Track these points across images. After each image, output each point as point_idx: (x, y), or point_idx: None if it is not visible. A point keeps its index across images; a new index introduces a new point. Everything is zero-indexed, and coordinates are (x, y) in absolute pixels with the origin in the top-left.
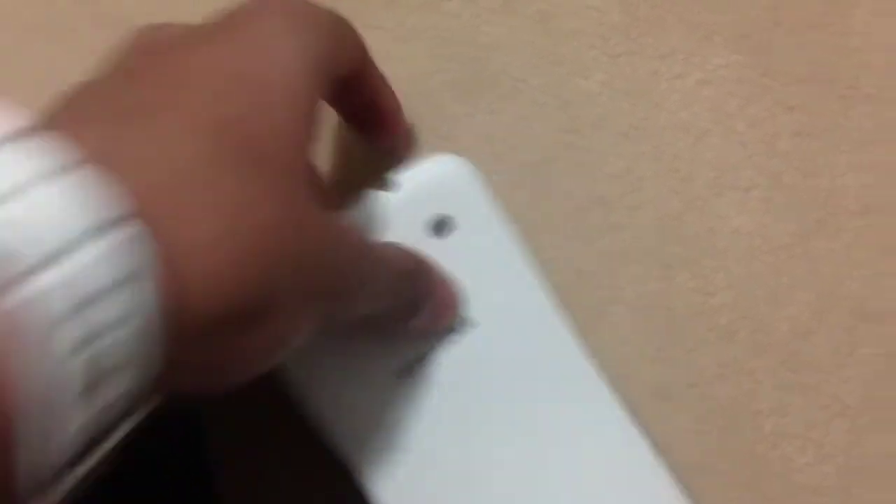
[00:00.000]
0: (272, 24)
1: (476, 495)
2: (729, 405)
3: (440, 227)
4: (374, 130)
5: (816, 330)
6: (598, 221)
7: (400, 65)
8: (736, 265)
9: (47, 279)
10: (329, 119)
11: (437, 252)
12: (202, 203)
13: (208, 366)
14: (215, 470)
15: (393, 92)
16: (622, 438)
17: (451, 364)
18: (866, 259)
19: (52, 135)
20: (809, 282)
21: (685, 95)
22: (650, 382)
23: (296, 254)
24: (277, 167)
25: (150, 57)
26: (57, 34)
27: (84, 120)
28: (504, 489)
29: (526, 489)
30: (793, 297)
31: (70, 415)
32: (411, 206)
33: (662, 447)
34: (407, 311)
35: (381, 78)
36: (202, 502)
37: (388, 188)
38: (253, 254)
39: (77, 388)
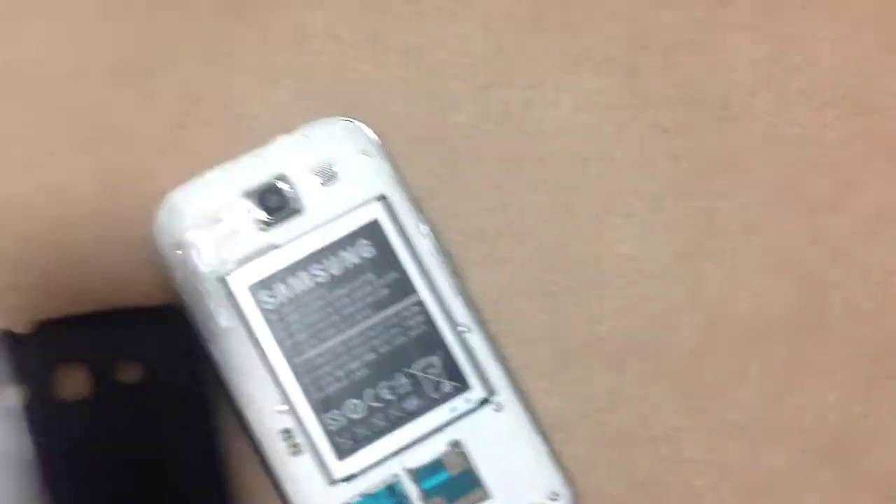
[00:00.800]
0: None
1: None
2: (623, 433)
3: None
4: None
5: (706, 352)
6: (479, 256)
7: (267, 106)
8: (621, 291)
9: None
10: None
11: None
12: None
13: None
14: None
15: None
16: None
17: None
18: (750, 278)
19: None
20: (695, 305)
21: (561, 124)
22: (547, 411)
23: None
24: None
25: None
26: None
27: None
28: None
29: None
30: (680, 320)
31: None
32: None
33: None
34: None
35: None
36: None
37: None
38: None
39: None
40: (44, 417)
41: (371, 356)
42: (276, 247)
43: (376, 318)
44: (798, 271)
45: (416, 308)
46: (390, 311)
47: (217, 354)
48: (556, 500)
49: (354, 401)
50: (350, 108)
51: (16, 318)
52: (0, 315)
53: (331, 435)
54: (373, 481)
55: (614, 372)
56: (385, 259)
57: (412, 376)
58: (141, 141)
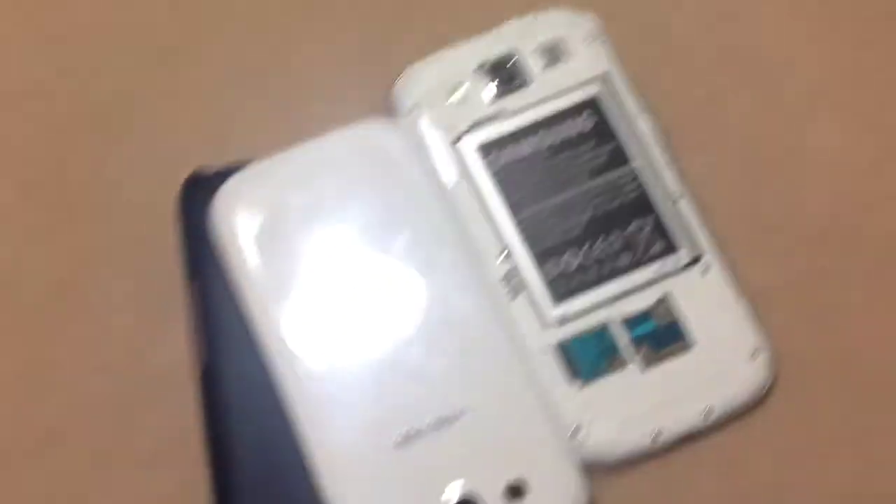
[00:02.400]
0: None
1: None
2: (823, 304)
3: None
4: None
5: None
6: (690, 141)
7: None
8: (824, 180)
9: None
10: None
11: None
12: None
13: None
14: None
15: None
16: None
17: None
18: None
19: None
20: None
21: (773, 21)
22: (750, 281)
23: None
24: None
25: None
26: None
27: None
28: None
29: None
30: (882, 206)
31: None
32: None
33: None
34: None
35: None
36: None
37: None
38: None
39: None
40: None
41: (588, 215)
42: (504, 115)
43: (594, 183)
44: None
45: (631, 176)
46: (607, 177)
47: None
48: (756, 356)
49: (570, 253)
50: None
51: None
52: None
53: (547, 282)
54: (585, 325)
55: (817, 248)
56: (604, 131)
57: (625, 235)
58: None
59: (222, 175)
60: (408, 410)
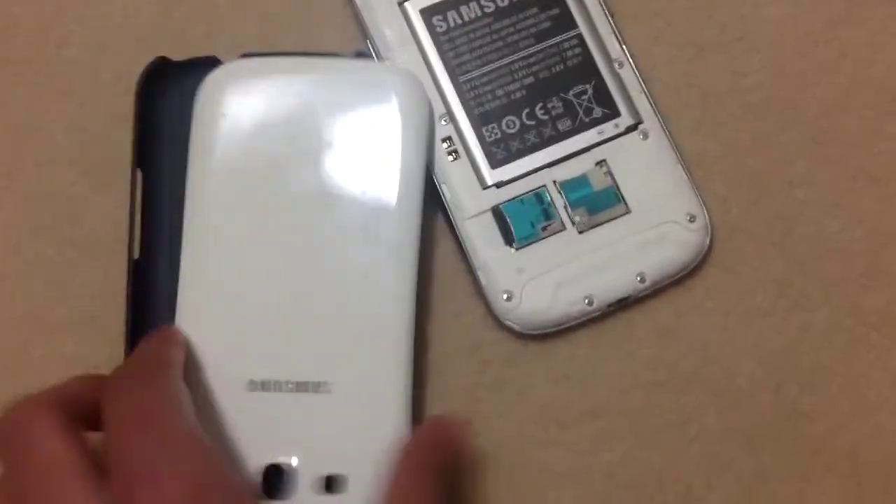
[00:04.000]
0: None
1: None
2: (760, 174)
3: None
4: None
5: (845, 108)
6: (634, 8)
7: None
8: (767, 49)
9: None
10: None
11: None
12: None
13: None
14: None
15: None
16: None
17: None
18: (893, 45)
19: None
20: (837, 65)
21: None
22: (688, 151)
23: None
24: None
25: None
26: None
27: None
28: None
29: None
30: (821, 78)
31: None
32: None
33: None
34: None
35: None
36: None
37: None
38: None
39: None
40: None
41: (530, 80)
42: None
43: (537, 47)
44: None
45: (575, 41)
46: (550, 41)
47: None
48: (692, 221)
49: (511, 117)
50: None
51: None
52: None
53: (486, 146)
54: (522, 189)
55: (756, 119)
56: None
57: (566, 100)
58: None
59: (184, 67)
60: (281, 358)
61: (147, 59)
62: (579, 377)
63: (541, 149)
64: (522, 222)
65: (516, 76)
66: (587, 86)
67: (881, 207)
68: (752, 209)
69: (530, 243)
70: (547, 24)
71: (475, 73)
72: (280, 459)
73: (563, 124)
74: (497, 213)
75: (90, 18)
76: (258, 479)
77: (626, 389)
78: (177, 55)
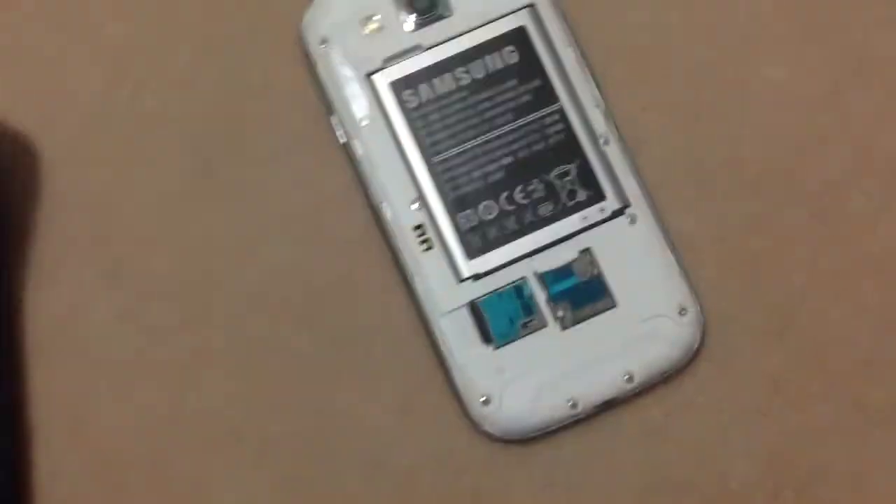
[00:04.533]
0: None
1: None
2: (757, 258)
3: None
4: None
5: (850, 184)
6: (623, 73)
7: None
8: (766, 116)
9: None
10: None
11: None
12: None
13: None
14: None
15: None
16: None
17: None
18: None
19: None
20: (842, 135)
21: None
22: (680, 231)
23: None
24: None
25: None
26: None
27: None
28: None
29: None
30: (825, 149)
31: None
32: None
33: None
34: None
35: None
36: None
37: None
38: None
39: None
40: None
41: (508, 160)
42: (421, 48)
43: (516, 124)
44: None
45: (557, 116)
46: (531, 117)
47: (357, 148)
48: (683, 314)
49: (488, 202)
50: None
51: None
52: None
53: (462, 234)
54: (501, 282)
55: (753, 196)
56: (529, 66)
57: (548, 182)
58: None
59: None
60: None
61: None
62: (564, 484)
63: (521, 236)
64: (501, 319)
65: (494, 156)
66: (570, 166)
67: (886, 294)
68: (747, 297)
69: (510, 342)
70: (527, 98)
71: (450, 153)
72: None
73: (545, 209)
74: (474, 308)
75: None
76: None
77: (615, 496)
78: None
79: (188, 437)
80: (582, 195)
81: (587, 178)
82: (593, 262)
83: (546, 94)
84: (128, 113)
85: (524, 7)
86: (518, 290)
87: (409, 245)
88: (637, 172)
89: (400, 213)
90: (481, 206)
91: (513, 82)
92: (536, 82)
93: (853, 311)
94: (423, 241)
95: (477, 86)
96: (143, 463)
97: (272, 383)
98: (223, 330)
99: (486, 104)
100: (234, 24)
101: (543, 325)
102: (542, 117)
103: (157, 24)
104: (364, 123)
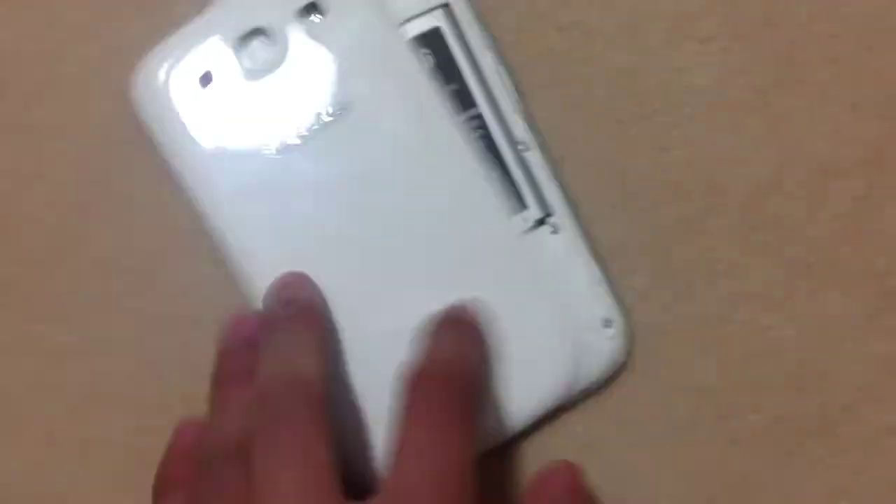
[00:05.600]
0: None
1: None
2: (684, 265)
3: (309, 10)
4: None
5: (777, 188)
6: (544, 77)
7: None
8: (692, 121)
9: None
10: None
11: (310, 34)
12: None
13: None
14: None
15: None
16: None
17: (326, 146)
18: (829, 114)
19: None
20: (769, 138)
21: None
22: (605, 239)
23: None
24: None
25: None
26: None
27: None
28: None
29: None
30: (752, 154)
31: None
32: None
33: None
34: None
35: None
36: None
37: None
38: None
39: None
40: None
41: None
42: None
43: None
44: (882, 110)
45: (475, 122)
46: None
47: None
48: (609, 326)
49: None
50: None
51: None
52: None
53: None
54: None
55: (680, 203)
56: (445, 70)
57: None
58: None
59: None
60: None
61: None
62: None
63: None
64: None
65: None
66: (490, 174)
67: (816, 301)
68: (675, 306)
69: None
70: None
71: None
72: None
73: None
74: None
75: None
76: None
77: None
78: None
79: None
80: None
81: (507, 186)
82: None
83: (463, 99)
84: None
85: (439, 7)
86: None
87: None
88: (559, 180)
89: None
90: None
91: None
92: (453, 86)
93: (782, 319)
94: None
95: None
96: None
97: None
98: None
99: None
100: None
101: None
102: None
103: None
104: None
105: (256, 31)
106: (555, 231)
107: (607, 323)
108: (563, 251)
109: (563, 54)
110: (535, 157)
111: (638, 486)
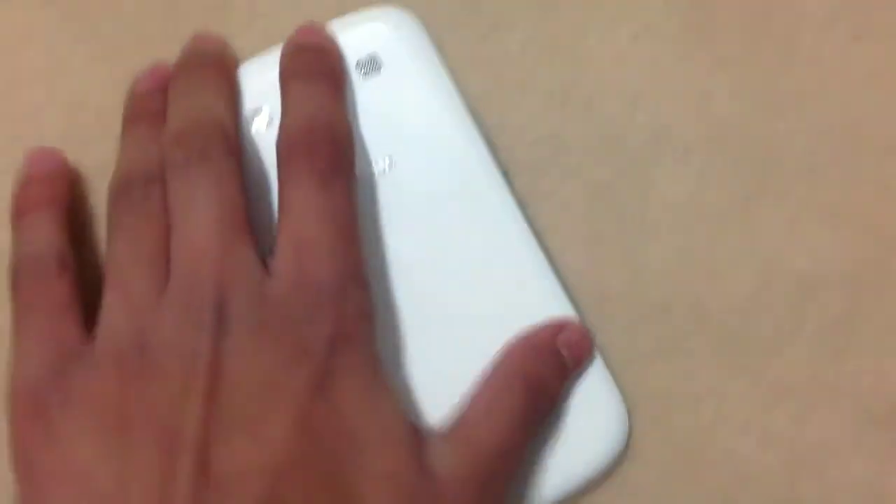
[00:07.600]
0: None
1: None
2: (662, 389)
3: (367, 66)
4: None
5: (757, 306)
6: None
7: None
8: (670, 236)
9: None
10: None
11: (364, 91)
12: None
13: None
14: None
15: None
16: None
17: (372, 200)
18: (809, 228)
19: None
20: (749, 254)
21: (615, 54)
22: None
23: None
24: None
25: None
26: None
27: None
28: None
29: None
30: (732, 270)
31: None
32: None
33: None
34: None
35: None
36: None
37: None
38: None
39: None
40: None
41: None
42: None
43: None
44: (862, 224)
45: None
46: None
47: None
48: None
49: None
50: None
51: None
52: None
53: None
54: None
55: (657, 323)
56: None
57: None
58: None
59: None
60: None
61: None
62: None
63: None
64: None
65: None
66: None
67: (797, 425)
68: (652, 432)
69: None
70: None
71: None
72: None
73: None
74: None
75: None
76: None
77: None
78: None
79: None
80: None
81: None
82: None
83: None
84: None
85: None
86: None
87: None
88: None
89: None
90: None
91: None
92: None
93: (763, 443)
94: None
95: None
96: None
97: None
98: None
99: None
100: None
101: None
102: None
103: None
104: None
105: None
106: None
107: None
108: None
109: (540, 168)
110: None
111: None
